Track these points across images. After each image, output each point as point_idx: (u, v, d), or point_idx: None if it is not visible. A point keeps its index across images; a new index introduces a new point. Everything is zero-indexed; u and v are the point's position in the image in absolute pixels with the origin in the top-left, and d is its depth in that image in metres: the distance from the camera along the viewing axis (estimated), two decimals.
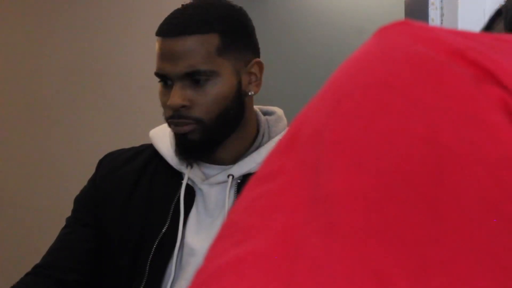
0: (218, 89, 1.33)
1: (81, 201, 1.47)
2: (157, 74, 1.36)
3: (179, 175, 1.41)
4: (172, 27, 1.32)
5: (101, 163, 1.49)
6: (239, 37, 1.36)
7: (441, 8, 1.68)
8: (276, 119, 1.45)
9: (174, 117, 1.34)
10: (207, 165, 1.41)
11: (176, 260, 1.35)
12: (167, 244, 1.36)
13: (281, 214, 0.35)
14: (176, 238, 1.35)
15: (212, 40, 1.33)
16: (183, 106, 1.32)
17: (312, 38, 4.25)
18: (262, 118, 1.44)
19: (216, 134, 1.36)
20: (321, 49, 4.23)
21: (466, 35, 0.40)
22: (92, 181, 1.47)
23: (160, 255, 1.36)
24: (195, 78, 1.32)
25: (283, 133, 1.42)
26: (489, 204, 0.33)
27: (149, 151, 1.46)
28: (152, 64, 1.41)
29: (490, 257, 0.32)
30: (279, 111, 1.48)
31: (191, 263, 1.35)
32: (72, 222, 1.46)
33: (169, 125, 1.37)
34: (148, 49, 1.45)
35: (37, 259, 1.45)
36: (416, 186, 0.33)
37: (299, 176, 0.36)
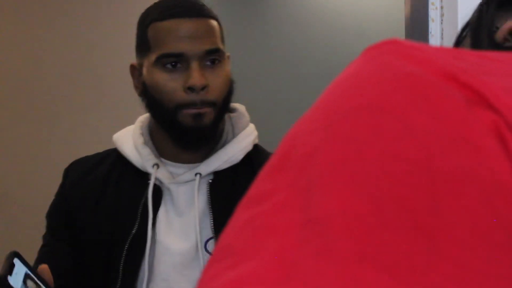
0: (227, 71, 1.38)
1: (52, 215, 1.47)
2: (169, 54, 1.34)
3: (146, 176, 1.41)
4: (191, 10, 1.36)
5: (68, 172, 1.50)
6: (222, 29, 1.42)
7: (441, 8, 1.68)
8: (238, 115, 1.47)
9: (195, 104, 1.33)
10: (174, 164, 1.42)
11: (149, 259, 1.36)
12: (138, 244, 1.36)
13: (273, 237, 0.35)
14: (147, 237, 1.36)
15: (218, 26, 1.39)
16: (205, 87, 1.33)
17: (312, 38, 4.25)
18: (225, 116, 1.45)
19: (220, 118, 1.38)
20: (320, 49, 4.23)
21: (456, 55, 0.40)
22: (60, 192, 1.48)
23: (132, 255, 1.36)
24: (212, 58, 1.35)
25: (247, 129, 1.45)
26: (482, 232, 0.33)
27: (114, 156, 1.47)
28: None
29: (483, 285, 0.32)
30: (241, 107, 1.50)
31: (165, 261, 1.36)
32: (48, 240, 1.46)
33: (180, 110, 1.34)
34: None
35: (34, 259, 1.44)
36: (411, 213, 0.33)
37: (292, 198, 0.36)
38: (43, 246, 1.47)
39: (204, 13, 1.37)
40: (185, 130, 1.35)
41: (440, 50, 0.40)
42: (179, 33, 1.34)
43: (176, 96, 1.33)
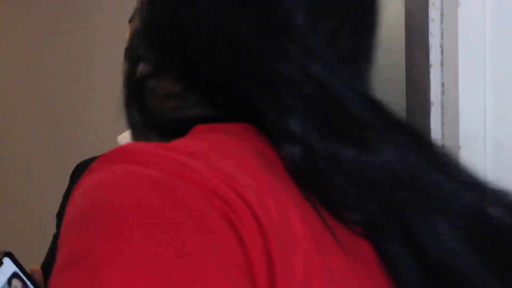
0: None
1: (61, 214, 1.54)
2: None
3: None
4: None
5: (74, 173, 1.58)
6: None
7: (441, 8, 1.68)
8: None
9: None
10: None
11: None
12: None
13: None
14: None
15: None
16: None
17: None
18: None
19: None
20: None
21: (189, 151, 0.50)
22: (67, 190, 1.55)
23: None
24: None
25: None
26: None
27: None
28: None
29: None
30: None
31: None
32: (57, 236, 1.52)
33: None
34: None
35: (34, 259, 1.47)
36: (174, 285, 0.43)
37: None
38: (51, 244, 1.54)
39: None
40: None
41: (166, 148, 0.51)
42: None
43: None
